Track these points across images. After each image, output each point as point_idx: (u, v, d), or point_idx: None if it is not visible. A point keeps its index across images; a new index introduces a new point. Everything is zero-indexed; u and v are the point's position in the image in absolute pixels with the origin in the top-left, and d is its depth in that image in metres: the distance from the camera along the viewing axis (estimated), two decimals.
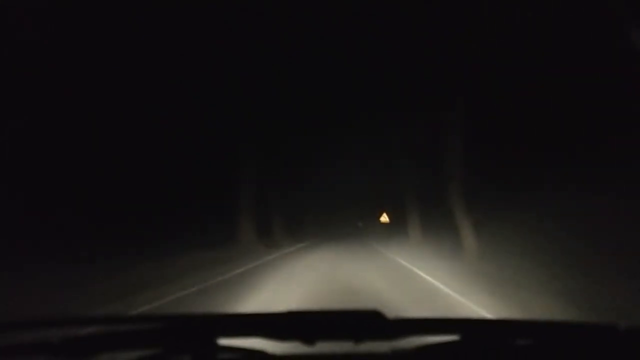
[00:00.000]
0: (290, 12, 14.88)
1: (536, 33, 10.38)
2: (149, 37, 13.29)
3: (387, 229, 30.84)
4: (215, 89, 16.60)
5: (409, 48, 14.31)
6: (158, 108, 16.75)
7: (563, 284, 7.47)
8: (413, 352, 1.20)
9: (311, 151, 29.86)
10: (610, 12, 8.11)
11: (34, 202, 13.58)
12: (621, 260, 7.71)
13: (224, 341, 1.26)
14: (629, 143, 10.28)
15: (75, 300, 7.68)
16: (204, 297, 7.92)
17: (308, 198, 39.01)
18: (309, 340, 1.19)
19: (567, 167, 12.48)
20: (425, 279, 9.57)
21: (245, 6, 14.22)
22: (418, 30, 13.76)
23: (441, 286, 8.34)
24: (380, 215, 30.33)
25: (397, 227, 28.63)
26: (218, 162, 21.99)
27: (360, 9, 14.53)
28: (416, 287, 8.56)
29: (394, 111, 18.55)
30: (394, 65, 15.73)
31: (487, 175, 15.35)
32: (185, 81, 15.71)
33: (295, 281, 9.38)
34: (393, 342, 1.20)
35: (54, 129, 14.03)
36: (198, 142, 20.11)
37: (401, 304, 6.68)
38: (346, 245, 23.12)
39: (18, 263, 10.12)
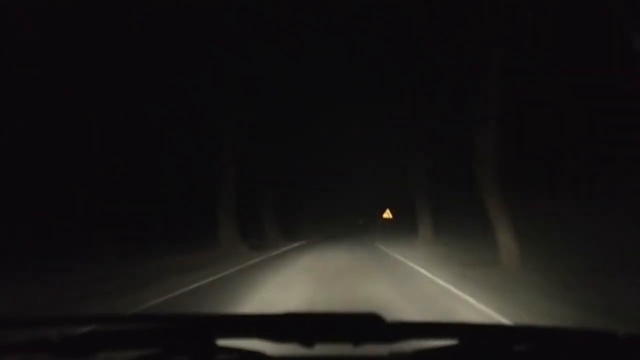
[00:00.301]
0: (290, 12, 14.89)
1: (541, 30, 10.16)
2: (149, 37, 13.28)
3: (390, 227, 29.12)
4: (215, 88, 16.54)
5: (412, 40, 14.20)
6: (156, 108, 16.67)
7: None
8: (411, 355, 1.20)
9: (310, 150, 29.65)
10: (610, 12, 8.09)
11: None
12: None
13: (223, 342, 1.26)
14: None
15: None
16: None
17: (307, 197, 38.86)
18: (307, 342, 1.19)
19: (616, 160, 11.69)
20: (467, 301, 6.35)
21: (245, 6, 14.22)
22: (421, 28, 13.76)
23: (496, 315, 5.47)
24: (383, 212, 28.53)
25: (402, 225, 27.40)
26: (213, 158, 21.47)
27: (360, 8, 14.54)
28: (462, 317, 5.49)
29: (399, 100, 17.65)
30: (398, 53, 15.35)
31: (522, 165, 13.89)
32: (185, 79, 15.60)
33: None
34: (391, 345, 1.20)
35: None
36: (196, 138, 19.88)
37: None
38: (347, 246, 20.80)
39: None
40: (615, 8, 7.77)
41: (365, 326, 1.23)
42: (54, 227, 14.30)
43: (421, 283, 8.41)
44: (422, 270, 10.19)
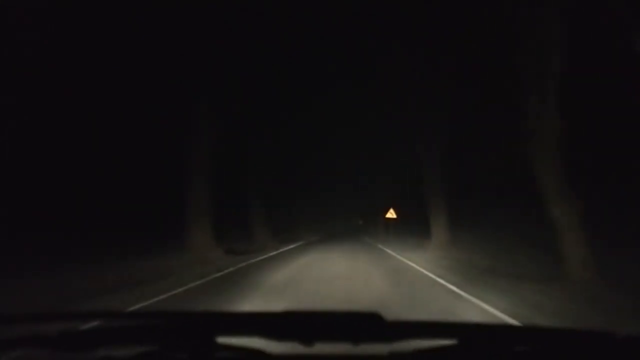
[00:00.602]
0: (290, 12, 14.90)
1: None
2: (149, 37, 13.26)
3: (395, 229, 27.32)
4: (216, 87, 16.49)
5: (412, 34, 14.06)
6: (153, 106, 16.46)
7: None
8: (411, 355, 1.20)
9: (310, 149, 29.30)
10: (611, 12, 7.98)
11: None
12: None
13: (223, 339, 1.26)
14: None
15: None
16: None
17: (306, 198, 38.50)
18: (307, 340, 1.19)
19: None
20: None
21: (245, 6, 14.22)
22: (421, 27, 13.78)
23: None
24: (387, 211, 26.44)
25: (407, 227, 26.31)
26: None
27: (360, 9, 14.57)
28: None
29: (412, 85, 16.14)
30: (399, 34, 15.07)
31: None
32: (186, 80, 15.49)
33: None
34: (391, 344, 1.20)
35: None
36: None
37: None
38: (348, 249, 18.03)
39: None
40: (615, 8, 7.68)
41: (365, 325, 1.22)
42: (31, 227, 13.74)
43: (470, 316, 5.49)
44: (461, 292, 7.13)
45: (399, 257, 14.10)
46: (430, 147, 17.55)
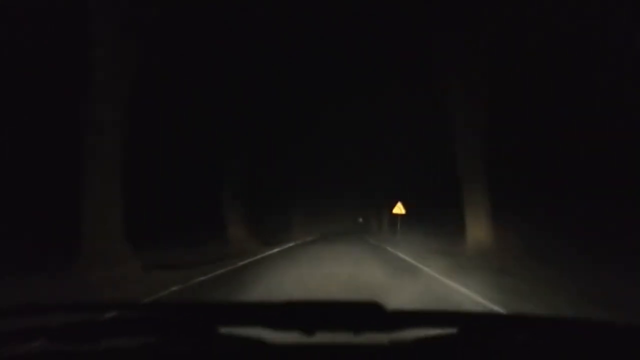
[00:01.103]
0: (290, 12, 14.92)
1: None
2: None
3: (402, 226, 23.17)
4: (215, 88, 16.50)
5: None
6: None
7: None
8: (411, 344, 1.21)
9: (307, 147, 28.81)
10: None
11: None
12: None
13: (224, 330, 1.28)
14: None
15: None
16: None
17: (302, 198, 37.86)
18: (308, 330, 1.20)
19: None
20: None
21: (245, 6, 14.24)
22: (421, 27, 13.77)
23: None
24: (392, 206, 22.87)
25: (411, 223, 23.34)
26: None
27: (360, 9, 14.59)
28: None
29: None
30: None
31: None
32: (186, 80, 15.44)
33: None
34: (392, 334, 1.21)
35: None
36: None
37: None
38: (351, 258, 13.17)
39: None
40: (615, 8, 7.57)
41: (365, 315, 1.23)
42: None
43: None
44: None
45: (435, 274, 9.10)
46: (471, 120, 14.02)
